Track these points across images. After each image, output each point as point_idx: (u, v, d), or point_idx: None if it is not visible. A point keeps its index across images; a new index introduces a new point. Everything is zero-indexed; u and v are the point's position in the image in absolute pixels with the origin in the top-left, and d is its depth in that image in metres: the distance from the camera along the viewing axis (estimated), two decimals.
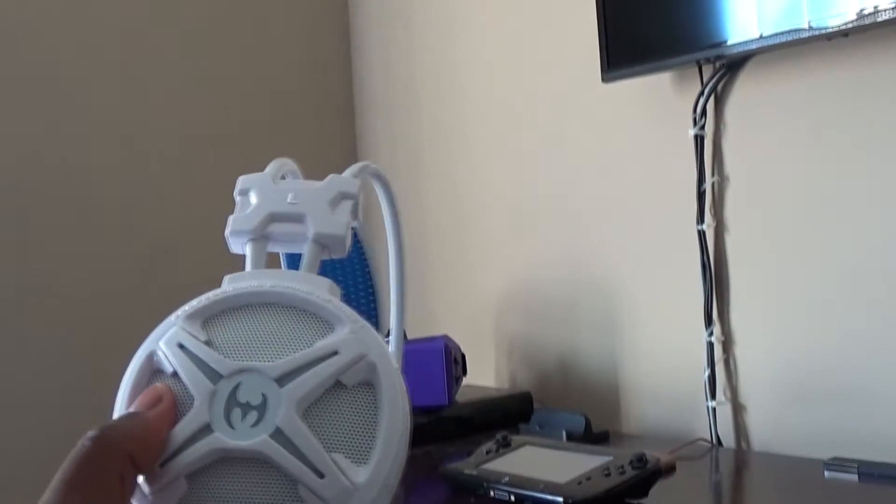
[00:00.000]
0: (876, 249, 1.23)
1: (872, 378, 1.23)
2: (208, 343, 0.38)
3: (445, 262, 1.97)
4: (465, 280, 1.92)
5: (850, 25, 1.13)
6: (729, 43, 1.29)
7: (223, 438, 0.36)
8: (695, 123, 1.41)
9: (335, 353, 0.38)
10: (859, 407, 1.24)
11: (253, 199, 0.43)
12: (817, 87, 1.28)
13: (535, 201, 1.74)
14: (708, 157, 1.42)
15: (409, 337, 1.61)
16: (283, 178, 0.46)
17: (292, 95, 2.09)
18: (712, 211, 1.42)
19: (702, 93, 1.40)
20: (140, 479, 0.36)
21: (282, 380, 0.37)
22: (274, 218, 0.42)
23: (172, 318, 0.40)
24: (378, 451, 0.37)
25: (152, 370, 0.39)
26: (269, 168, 0.45)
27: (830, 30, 1.16)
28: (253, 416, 0.36)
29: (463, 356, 1.57)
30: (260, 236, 0.42)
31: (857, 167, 1.25)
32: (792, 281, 1.32)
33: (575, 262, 1.66)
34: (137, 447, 0.35)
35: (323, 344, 0.38)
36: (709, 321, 1.41)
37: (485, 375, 1.83)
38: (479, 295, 1.88)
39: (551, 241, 1.71)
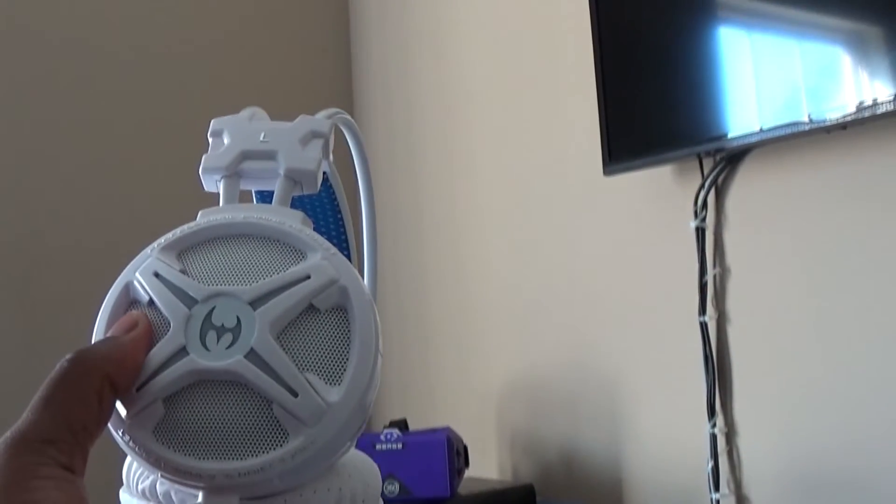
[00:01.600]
0: (878, 340, 1.23)
1: (877, 470, 1.23)
2: (183, 272, 0.39)
3: (448, 353, 1.97)
4: (468, 370, 1.92)
5: (849, 118, 1.16)
6: (729, 136, 1.32)
7: (198, 360, 0.36)
8: (696, 216, 1.43)
9: (307, 276, 0.38)
10: (864, 500, 1.23)
11: (226, 139, 0.44)
12: (816, 179, 1.31)
13: (537, 292, 1.75)
14: (709, 248, 1.43)
15: (412, 427, 1.60)
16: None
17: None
18: (714, 302, 1.43)
19: (702, 185, 1.43)
20: (118, 403, 0.37)
21: (255, 303, 0.37)
22: (246, 155, 0.43)
23: (148, 250, 0.40)
24: (350, 372, 0.37)
25: (129, 301, 0.39)
26: (243, 112, 0.46)
27: (829, 123, 1.18)
28: (228, 338, 0.37)
29: (465, 448, 1.56)
30: (233, 173, 0.43)
31: (857, 257, 1.26)
32: (794, 372, 1.33)
33: (577, 352, 1.66)
34: (114, 368, 0.36)
35: (295, 269, 0.38)
36: (711, 412, 1.41)
37: (487, 467, 1.82)
38: (481, 386, 1.88)
39: (553, 331, 1.71)
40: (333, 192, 0.52)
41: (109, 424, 0.37)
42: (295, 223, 0.40)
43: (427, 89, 2.04)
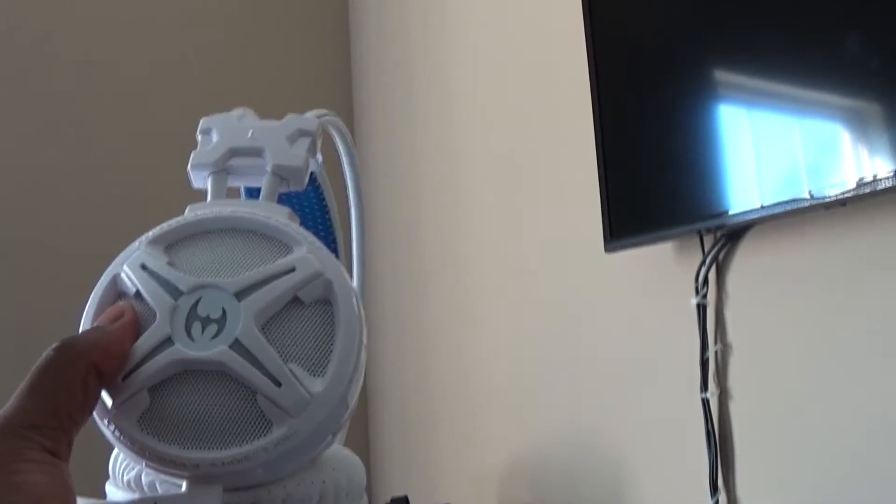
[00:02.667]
0: (881, 415, 1.23)
1: None
2: (170, 264, 0.39)
3: (450, 431, 1.96)
4: (470, 448, 1.91)
5: (849, 194, 1.17)
6: (730, 213, 1.33)
7: (184, 350, 0.37)
8: (697, 292, 1.44)
9: (292, 269, 0.39)
10: None
11: (214, 137, 0.44)
12: (817, 255, 1.32)
13: (537, 369, 1.75)
14: (711, 325, 1.44)
15: (413, 503, 1.58)
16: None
17: None
18: (716, 379, 1.43)
19: (703, 262, 1.44)
20: (103, 392, 0.37)
21: (240, 294, 0.38)
22: (234, 152, 0.44)
23: (136, 243, 0.40)
24: (334, 364, 0.37)
25: (116, 293, 0.40)
26: (232, 112, 0.47)
27: (830, 199, 1.20)
28: (213, 328, 0.37)
29: None
30: (221, 169, 0.44)
31: (858, 334, 1.27)
32: (798, 448, 1.32)
33: (578, 429, 1.65)
34: (100, 356, 0.36)
35: (281, 261, 0.39)
36: (714, 489, 1.39)
37: None
38: (482, 463, 1.86)
39: (555, 407, 1.71)
40: (322, 191, 0.52)
41: (95, 414, 0.37)
42: (281, 218, 0.41)
43: (429, 154, 2.06)
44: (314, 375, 0.37)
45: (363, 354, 0.39)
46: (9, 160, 1.86)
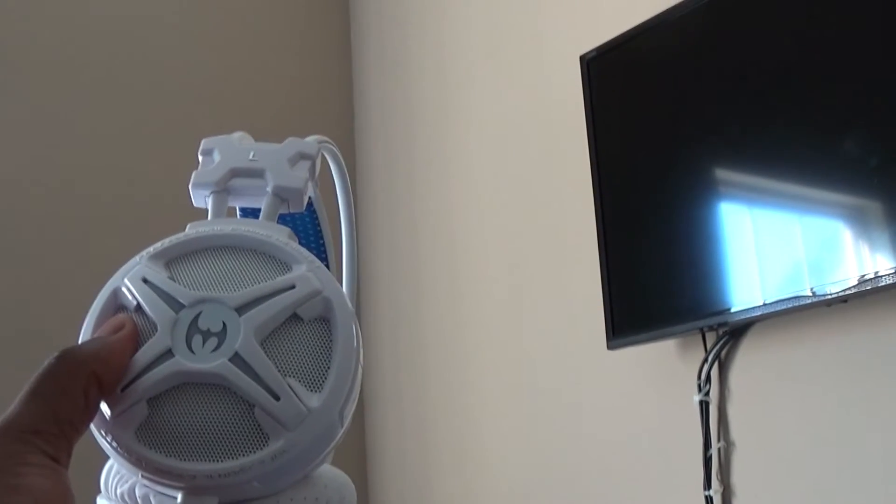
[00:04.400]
0: None
1: None
2: (171, 279, 0.40)
3: None
4: None
5: (851, 291, 1.19)
6: (732, 310, 1.35)
7: (184, 362, 0.37)
8: (699, 389, 1.45)
9: (292, 286, 0.39)
10: None
11: (216, 157, 0.45)
12: (819, 352, 1.33)
13: (539, 467, 1.74)
14: (713, 422, 1.44)
15: None
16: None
17: None
18: (719, 476, 1.42)
19: (706, 359, 1.45)
20: (102, 403, 0.37)
21: (241, 309, 0.38)
22: (235, 172, 0.44)
23: (137, 258, 0.41)
24: (331, 380, 0.38)
25: (116, 306, 0.40)
26: (233, 134, 0.47)
27: (832, 296, 1.22)
28: (213, 342, 0.38)
29: None
30: (222, 189, 0.44)
31: (862, 429, 1.27)
32: None
33: None
34: (101, 366, 0.36)
35: (281, 279, 0.40)
36: None
37: None
38: None
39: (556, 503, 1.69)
40: (317, 217, 0.53)
41: (92, 425, 0.37)
42: (282, 237, 0.42)
43: (432, 251, 2.08)
44: (312, 391, 0.38)
45: (360, 372, 0.39)
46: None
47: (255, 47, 2.25)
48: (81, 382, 0.36)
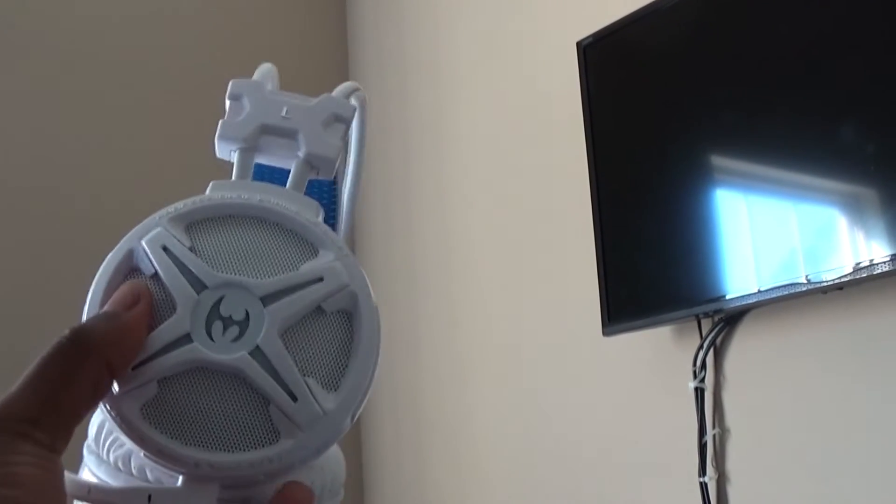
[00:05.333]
0: (881, 498, 1.24)
1: None
2: (192, 249, 0.37)
3: None
4: None
5: (846, 279, 1.19)
6: (727, 297, 1.35)
7: (202, 350, 0.35)
8: (695, 376, 1.45)
9: (320, 279, 0.37)
10: None
11: (246, 105, 0.42)
12: (814, 339, 1.33)
13: (535, 451, 1.74)
14: (709, 409, 1.44)
15: None
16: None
17: None
18: (714, 463, 1.43)
19: (701, 346, 1.45)
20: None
21: (266, 299, 0.36)
22: (266, 130, 0.41)
23: (156, 217, 0.38)
24: (349, 381, 0.37)
25: (130, 267, 0.37)
26: (258, 75, 0.44)
27: (826, 283, 1.22)
28: (234, 330, 0.36)
29: None
30: (250, 146, 0.41)
31: (857, 416, 1.27)
32: None
33: None
34: (114, 353, 0.34)
35: (309, 269, 0.37)
36: None
37: None
38: None
39: (552, 491, 1.70)
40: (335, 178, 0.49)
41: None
42: (310, 215, 0.39)
43: (428, 238, 2.08)
44: (328, 390, 0.36)
45: (377, 371, 0.38)
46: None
47: (254, 43, 2.24)
48: (93, 372, 0.34)
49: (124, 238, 0.38)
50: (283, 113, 0.41)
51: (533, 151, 1.83)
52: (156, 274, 0.37)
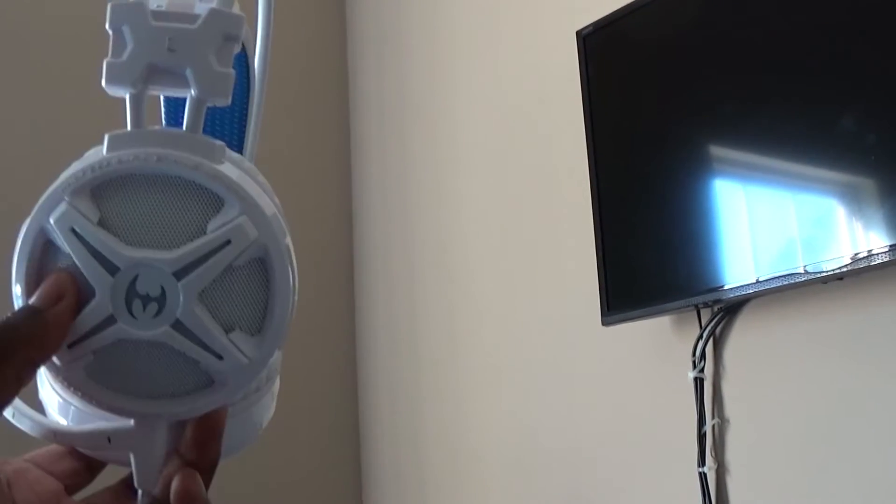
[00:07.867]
0: (876, 490, 1.24)
1: None
2: (101, 223, 0.38)
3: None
4: None
5: (845, 269, 1.19)
6: (726, 287, 1.35)
7: (127, 329, 0.37)
8: (694, 366, 1.45)
9: (228, 242, 0.38)
10: None
11: (128, 39, 0.39)
12: (813, 329, 1.33)
13: (535, 443, 1.74)
14: (708, 399, 1.44)
15: None
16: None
17: None
18: (713, 453, 1.43)
19: (700, 336, 1.45)
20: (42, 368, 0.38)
21: (179, 273, 0.38)
22: (153, 70, 0.39)
23: (59, 188, 0.38)
24: (271, 324, 0.39)
25: (43, 248, 0.38)
26: None
27: (825, 273, 1.22)
28: (153, 307, 0.38)
29: None
30: (139, 91, 0.40)
31: (856, 406, 1.27)
32: None
33: (576, 503, 1.64)
34: (38, 351, 0.36)
35: (215, 234, 0.38)
36: None
37: None
38: None
39: (551, 482, 1.70)
40: (248, 78, 0.48)
41: (44, 370, 0.38)
42: (212, 156, 0.39)
43: (426, 229, 2.08)
44: (252, 334, 0.39)
45: (294, 308, 0.40)
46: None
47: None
48: (15, 370, 0.35)
49: (32, 215, 0.39)
50: (167, 45, 0.39)
51: (532, 142, 1.82)
52: (70, 259, 0.38)
